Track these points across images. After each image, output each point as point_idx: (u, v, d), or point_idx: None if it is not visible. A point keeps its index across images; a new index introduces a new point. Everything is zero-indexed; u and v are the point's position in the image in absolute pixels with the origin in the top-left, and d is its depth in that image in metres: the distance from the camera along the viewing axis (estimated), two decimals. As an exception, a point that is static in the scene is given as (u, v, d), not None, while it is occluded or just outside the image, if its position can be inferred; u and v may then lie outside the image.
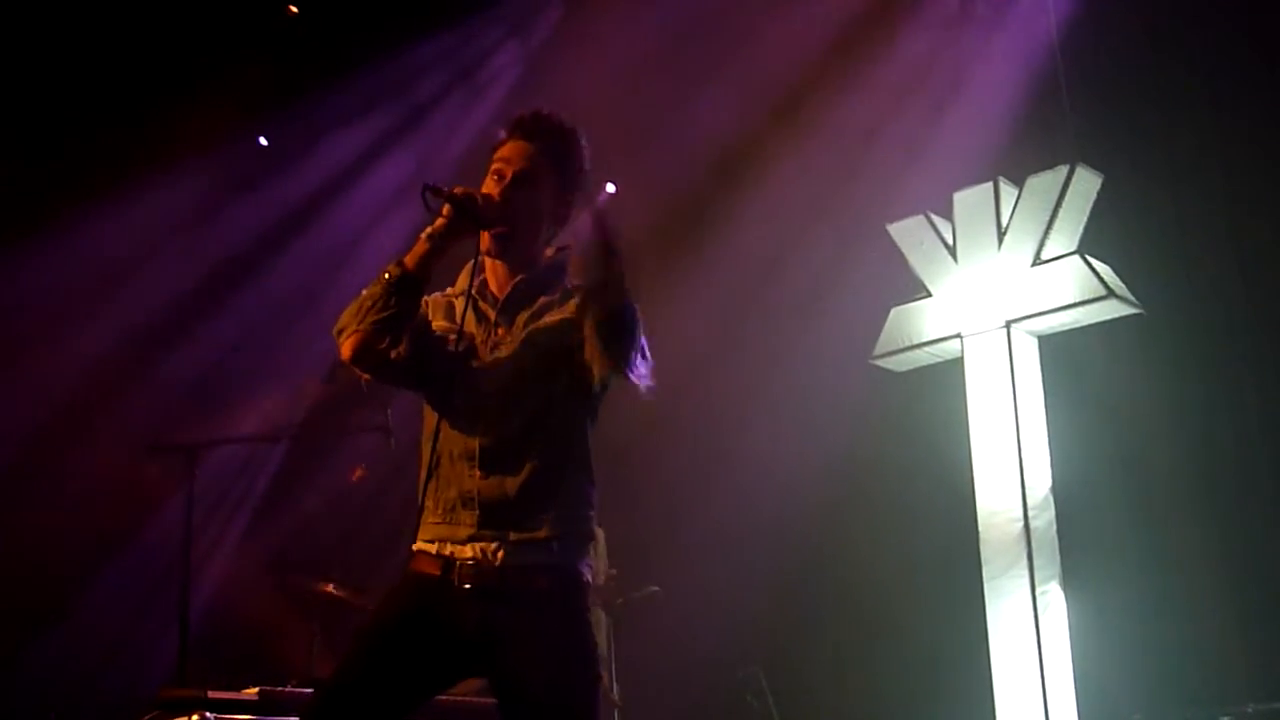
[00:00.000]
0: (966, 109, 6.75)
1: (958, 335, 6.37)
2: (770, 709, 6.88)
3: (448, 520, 3.24)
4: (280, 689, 4.89)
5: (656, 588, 6.34)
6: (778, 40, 7.32)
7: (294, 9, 7.80)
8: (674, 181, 7.76)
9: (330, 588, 6.00)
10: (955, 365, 6.41)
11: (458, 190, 3.20)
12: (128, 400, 7.44)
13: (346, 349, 3.23)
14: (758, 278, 7.56)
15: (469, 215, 3.20)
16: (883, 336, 6.59)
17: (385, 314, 3.19)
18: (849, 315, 6.93)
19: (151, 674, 6.35)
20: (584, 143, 3.43)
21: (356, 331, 3.20)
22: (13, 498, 7.06)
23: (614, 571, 6.59)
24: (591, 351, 3.20)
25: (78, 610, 7.12)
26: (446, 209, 3.19)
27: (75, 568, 7.29)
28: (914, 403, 6.84)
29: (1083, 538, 6.13)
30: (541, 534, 3.20)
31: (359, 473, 5.94)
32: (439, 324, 3.36)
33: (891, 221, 6.64)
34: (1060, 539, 6.01)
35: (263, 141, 8.36)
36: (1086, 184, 6.12)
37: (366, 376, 3.30)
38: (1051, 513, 6.03)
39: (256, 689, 4.76)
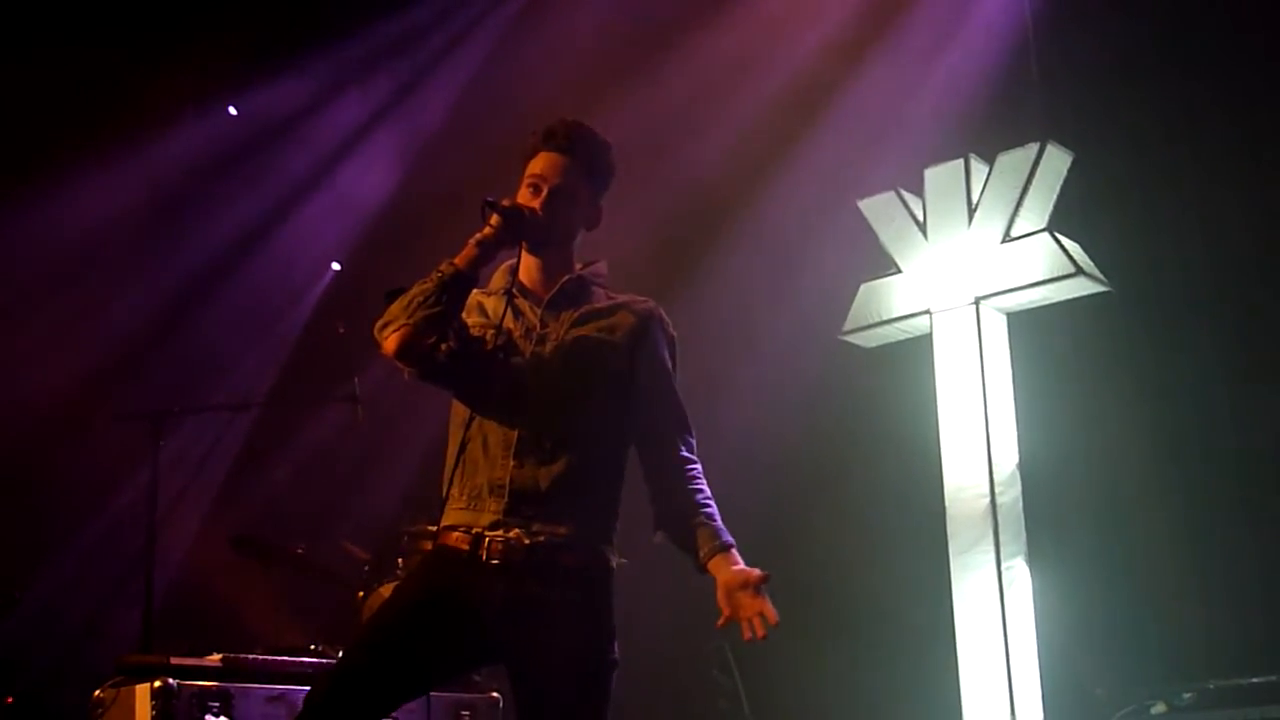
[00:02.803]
0: (938, 85, 6.76)
1: (927, 311, 6.37)
2: (737, 683, 6.90)
3: (472, 506, 3.30)
4: (243, 656, 4.88)
5: (624, 560, 6.32)
6: (749, 15, 7.32)
7: None
8: (642, 151, 7.73)
9: (300, 550, 5.99)
10: (924, 341, 6.41)
11: (505, 202, 3.32)
12: (93, 370, 7.39)
13: (393, 342, 3.27)
14: (727, 253, 7.55)
15: (515, 228, 3.32)
16: (852, 312, 6.59)
17: (434, 309, 3.25)
18: (818, 291, 6.93)
19: (116, 645, 6.33)
20: (613, 152, 3.54)
21: (405, 325, 3.25)
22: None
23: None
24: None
25: (41, 582, 7.08)
26: (495, 219, 3.30)
27: (39, 539, 7.25)
28: (882, 379, 6.84)
29: (1049, 514, 6.16)
30: (563, 530, 3.26)
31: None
32: (473, 320, 3.42)
33: (862, 197, 6.64)
34: (1026, 515, 6.02)
35: (232, 111, 8.31)
36: (1057, 161, 6.12)
37: (409, 371, 3.34)
38: (1018, 489, 6.04)
39: (219, 655, 4.75)
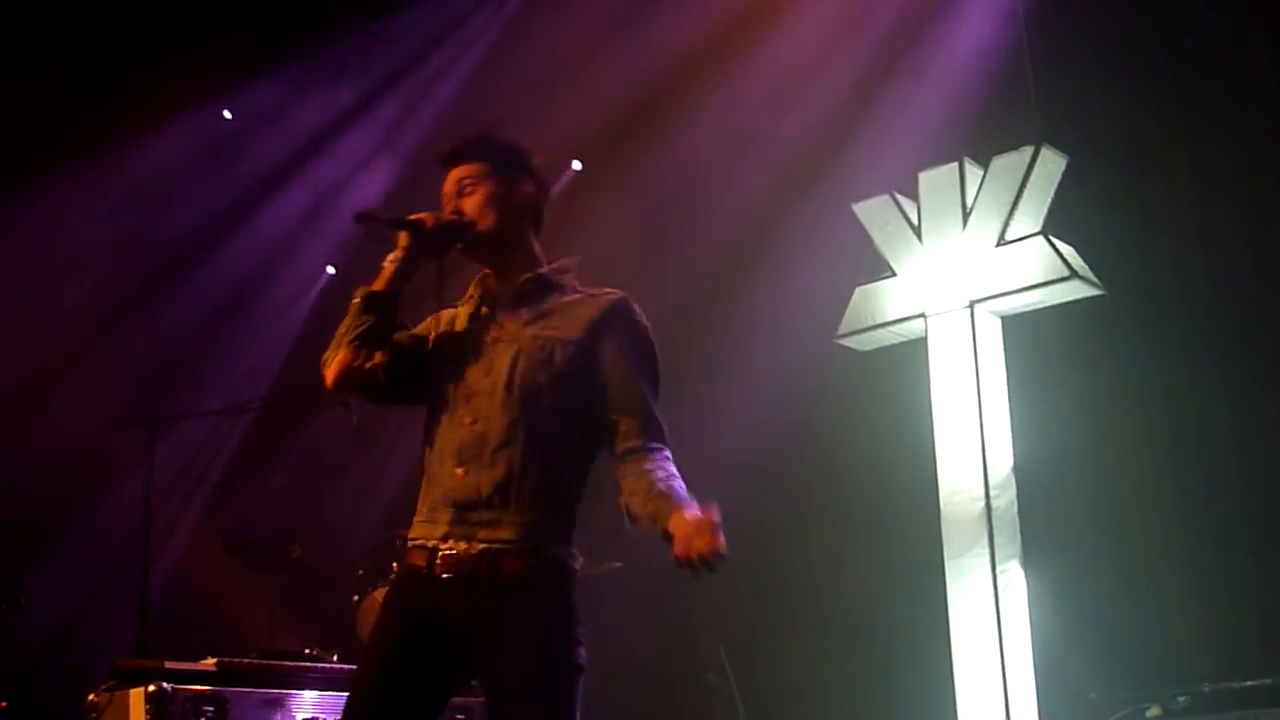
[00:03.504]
0: (932, 88, 6.76)
1: (921, 315, 6.37)
2: (732, 687, 6.90)
3: (430, 519, 3.28)
4: (238, 660, 4.87)
5: (619, 564, 6.33)
6: (742, 17, 7.32)
7: None
8: (640, 158, 7.76)
9: (296, 553, 5.99)
10: (919, 345, 6.42)
11: (376, 211, 3.36)
12: (87, 374, 7.38)
13: (330, 374, 3.32)
14: (721, 256, 7.55)
15: (418, 233, 3.33)
16: (847, 316, 6.59)
17: (359, 329, 3.30)
18: (813, 294, 6.93)
19: (110, 650, 6.32)
20: (510, 132, 3.51)
21: (335, 355, 3.31)
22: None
23: (574, 550, 6.58)
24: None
25: (35, 586, 7.05)
26: (404, 236, 3.34)
27: (32, 544, 7.24)
28: (877, 382, 6.85)
29: (1044, 518, 6.16)
30: (506, 535, 3.19)
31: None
32: (440, 333, 3.42)
33: (857, 200, 6.64)
34: (1021, 519, 6.03)
35: (227, 115, 8.30)
36: (1051, 165, 6.13)
37: (358, 397, 3.41)
38: (1013, 492, 6.05)
39: (214, 660, 4.74)
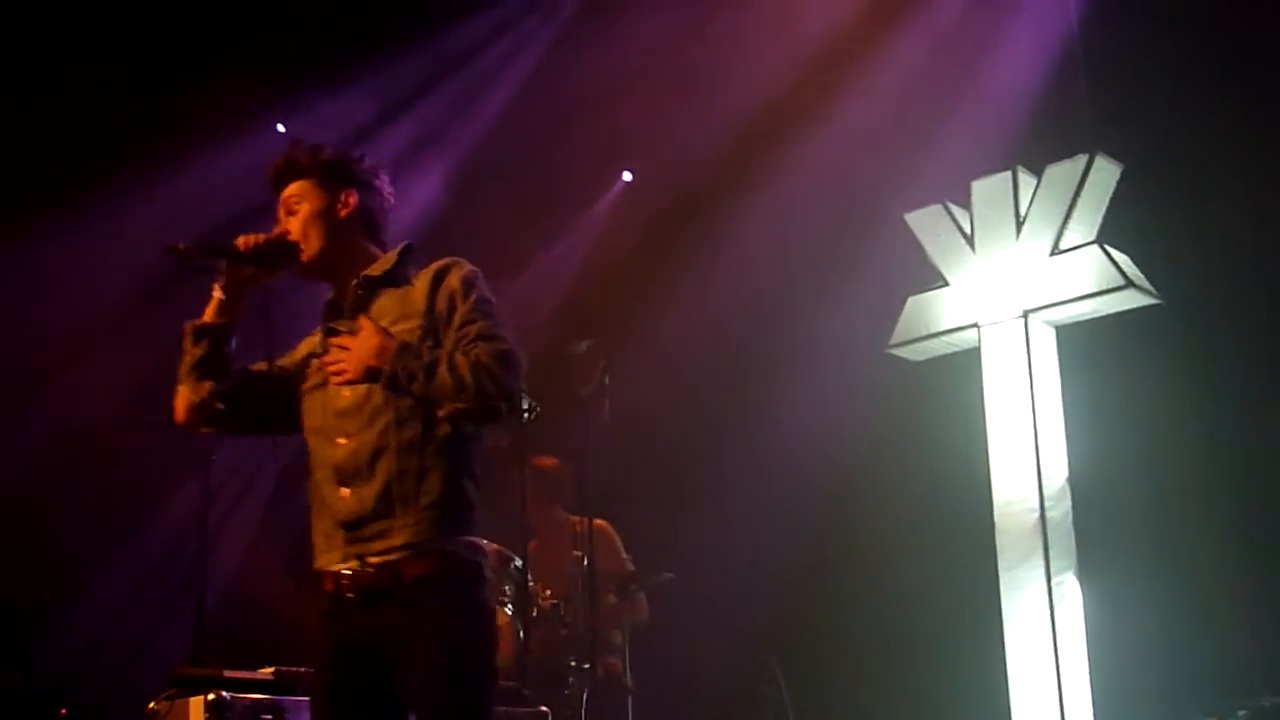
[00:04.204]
0: (985, 97, 6.73)
1: (975, 325, 6.34)
2: (784, 698, 6.88)
3: (327, 547, 3.28)
4: (296, 669, 4.89)
5: (671, 575, 6.34)
6: (798, 25, 7.32)
7: None
8: (690, 166, 7.76)
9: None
10: (972, 355, 6.39)
11: (182, 246, 3.31)
12: (148, 382, 7.43)
13: (177, 412, 3.40)
14: (775, 267, 7.55)
15: (232, 258, 3.34)
16: (899, 326, 6.57)
17: (190, 359, 3.35)
18: (866, 304, 6.91)
19: (167, 659, 6.37)
20: (317, 144, 3.50)
21: (178, 392, 3.37)
22: (32, 482, 7.08)
23: (629, 558, 6.60)
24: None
25: (93, 596, 7.13)
26: (222, 263, 3.35)
27: (91, 552, 7.30)
28: (930, 392, 6.82)
29: (1100, 529, 6.11)
30: (398, 541, 3.18)
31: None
32: (305, 358, 3.45)
33: (909, 211, 6.62)
34: (1076, 530, 5.99)
35: (280, 129, 8.36)
36: (1106, 173, 6.09)
37: (205, 431, 3.45)
38: (1068, 503, 6.01)
39: (272, 669, 4.77)
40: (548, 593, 6.09)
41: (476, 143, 8.28)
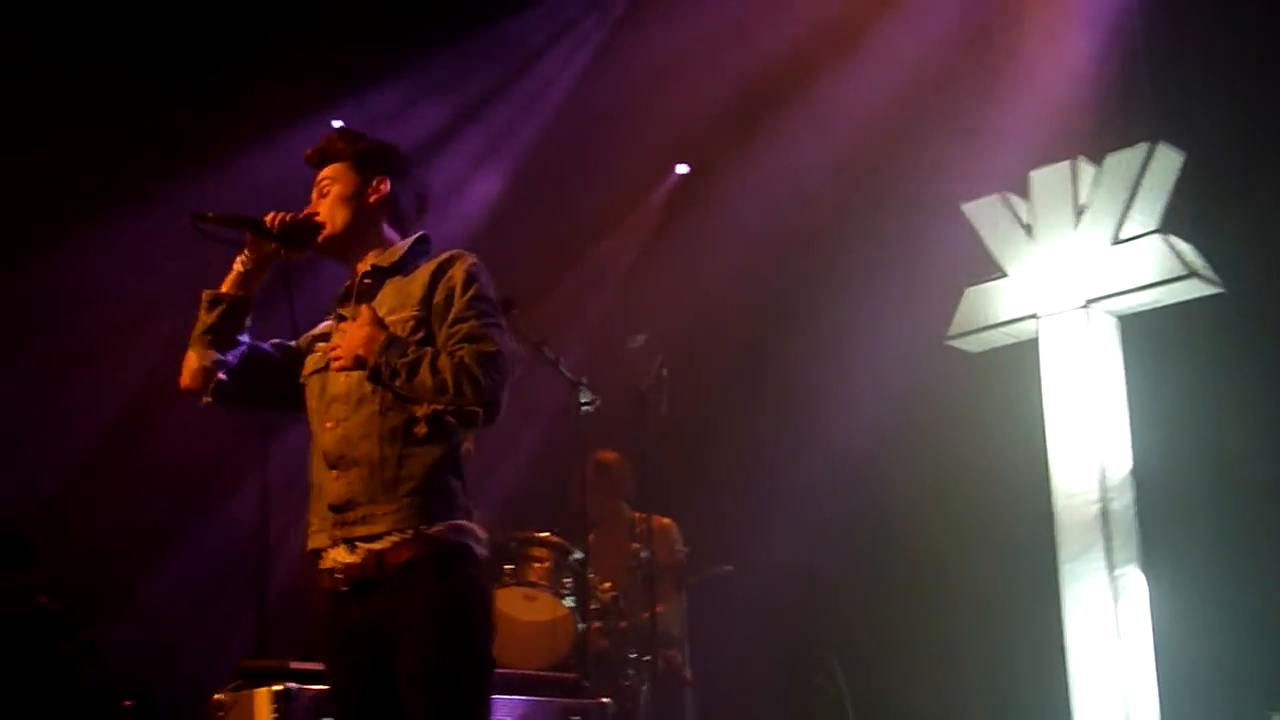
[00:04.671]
0: (1043, 86, 6.66)
1: (1034, 316, 6.30)
2: (841, 691, 6.87)
3: (319, 529, 3.31)
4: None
5: (730, 567, 6.34)
6: (852, 22, 7.30)
7: None
8: (747, 159, 7.75)
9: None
10: (1031, 346, 6.34)
11: (210, 215, 3.37)
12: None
13: (182, 377, 3.43)
14: (833, 257, 7.53)
15: (257, 231, 3.39)
16: (957, 317, 6.54)
17: (201, 326, 3.40)
18: (923, 296, 6.88)
19: (227, 652, 6.42)
20: (361, 133, 3.56)
21: (185, 357, 3.41)
22: (93, 477, 7.16)
23: (687, 550, 6.60)
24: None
25: (156, 588, 7.21)
26: (247, 235, 3.40)
27: (154, 548, 7.38)
28: (989, 384, 6.78)
29: (1162, 520, 6.05)
30: (380, 529, 3.20)
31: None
32: (314, 340, 3.48)
33: (966, 201, 6.58)
34: (1140, 522, 5.94)
35: (336, 124, 8.38)
36: (1167, 162, 6.03)
37: (207, 399, 3.45)
38: (1130, 495, 5.96)
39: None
40: (607, 585, 6.11)
41: (534, 133, 8.28)
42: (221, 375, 3.40)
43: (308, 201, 3.49)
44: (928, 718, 6.89)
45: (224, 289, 3.43)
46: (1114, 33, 6.49)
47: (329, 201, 3.44)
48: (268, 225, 3.39)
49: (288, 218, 3.41)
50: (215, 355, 3.39)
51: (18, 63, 7.04)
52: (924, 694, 6.93)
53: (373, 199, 3.45)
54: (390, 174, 3.49)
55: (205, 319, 3.41)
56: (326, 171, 3.48)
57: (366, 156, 3.49)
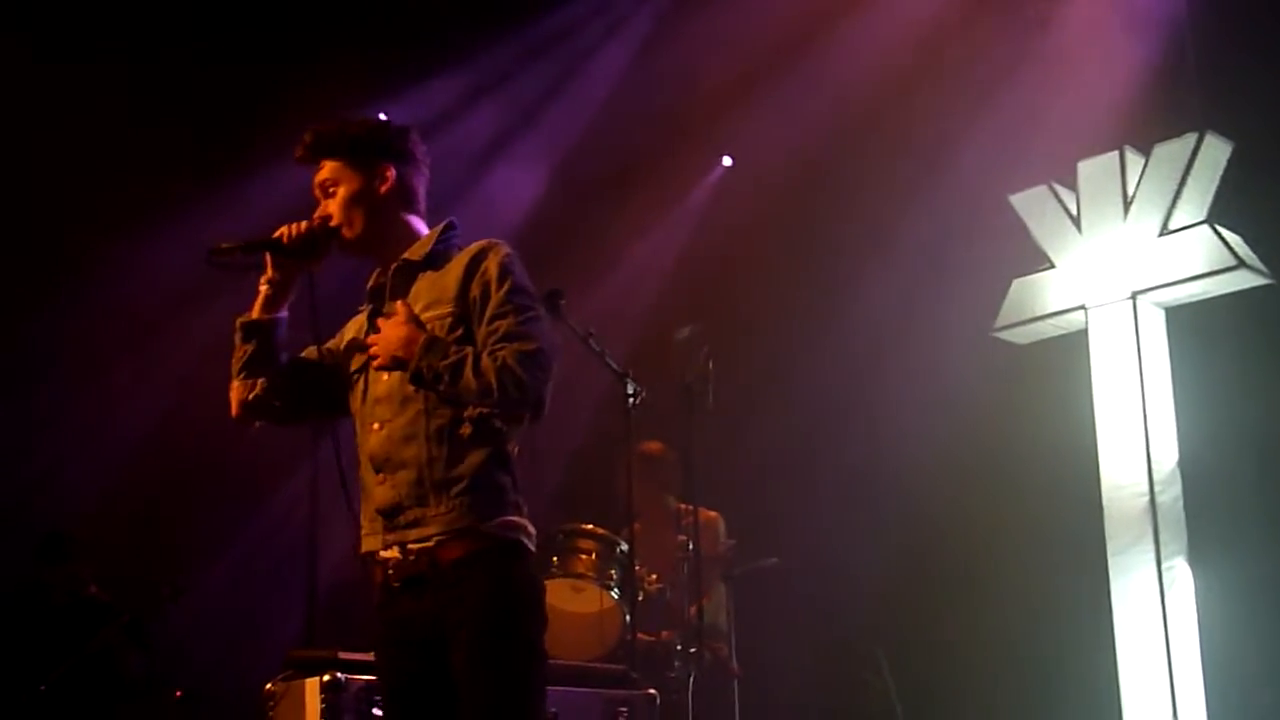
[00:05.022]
0: (1091, 77, 6.62)
1: (1082, 307, 6.28)
2: (888, 686, 6.86)
3: (371, 530, 3.29)
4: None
5: (776, 559, 6.34)
6: (901, 5, 7.28)
7: None
8: (792, 151, 7.74)
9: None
10: (1079, 337, 6.32)
11: (224, 245, 3.31)
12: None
13: (233, 408, 3.40)
14: (878, 250, 7.51)
15: (276, 251, 3.32)
16: (1004, 309, 6.52)
17: (242, 359, 3.35)
18: (970, 287, 6.86)
19: (277, 642, 6.49)
20: (356, 118, 3.46)
21: (230, 388, 3.38)
22: (145, 471, 7.24)
23: (733, 542, 6.60)
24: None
25: (207, 579, 7.28)
26: (266, 256, 3.34)
27: (204, 539, 7.46)
28: (1037, 375, 6.75)
29: (1211, 513, 6.02)
30: (431, 530, 3.17)
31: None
32: (349, 340, 3.43)
33: (1013, 192, 6.56)
34: (1187, 514, 5.90)
35: (383, 119, 8.42)
36: (1216, 152, 5.99)
37: (258, 425, 3.44)
38: (1178, 487, 5.93)
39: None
40: (653, 577, 6.12)
41: (579, 129, 8.29)
42: (275, 402, 3.37)
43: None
44: (975, 711, 6.87)
45: (254, 314, 3.37)
46: (1162, 22, 6.44)
47: (339, 203, 3.34)
48: (285, 243, 3.32)
49: (302, 228, 3.32)
50: (262, 384, 3.36)
51: (85, 60, 7.14)
52: (971, 687, 6.92)
53: (383, 189, 3.36)
54: (391, 158, 3.39)
55: (242, 349, 3.36)
56: (324, 172, 3.37)
57: (361, 146, 3.37)
